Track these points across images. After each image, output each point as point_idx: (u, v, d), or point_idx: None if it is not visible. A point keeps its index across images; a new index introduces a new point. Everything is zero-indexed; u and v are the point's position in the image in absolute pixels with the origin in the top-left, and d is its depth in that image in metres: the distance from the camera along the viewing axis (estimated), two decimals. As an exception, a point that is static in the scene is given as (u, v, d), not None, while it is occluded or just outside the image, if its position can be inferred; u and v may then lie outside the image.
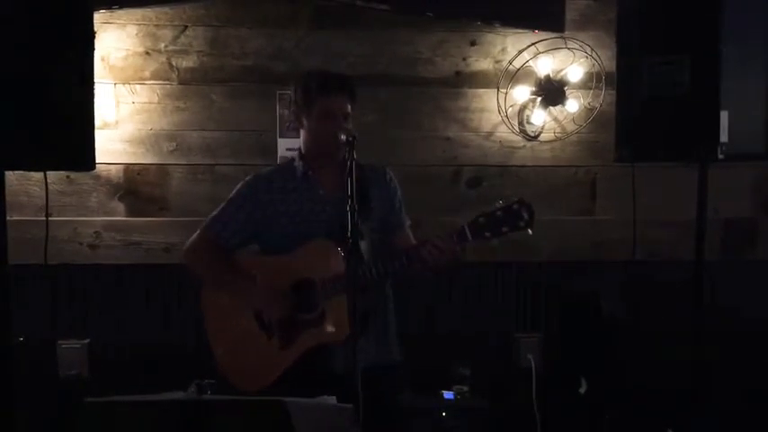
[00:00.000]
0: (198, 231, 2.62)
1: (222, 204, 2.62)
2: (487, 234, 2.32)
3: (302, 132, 2.60)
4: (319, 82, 2.52)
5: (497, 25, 3.61)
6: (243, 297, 2.51)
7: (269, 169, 2.71)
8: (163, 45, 3.51)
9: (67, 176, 3.45)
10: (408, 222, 2.70)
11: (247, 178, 2.64)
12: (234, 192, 2.62)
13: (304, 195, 2.55)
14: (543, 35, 3.58)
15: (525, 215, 2.30)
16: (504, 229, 2.31)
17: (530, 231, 2.31)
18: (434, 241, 2.34)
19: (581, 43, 3.58)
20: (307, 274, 2.45)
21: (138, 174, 3.53)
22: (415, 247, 2.41)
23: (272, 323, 2.48)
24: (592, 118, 3.65)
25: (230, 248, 2.59)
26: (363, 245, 2.42)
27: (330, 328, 2.40)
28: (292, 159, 2.68)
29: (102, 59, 3.43)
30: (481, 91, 3.66)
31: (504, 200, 2.35)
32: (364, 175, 2.43)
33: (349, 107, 2.51)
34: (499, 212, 2.32)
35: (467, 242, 2.35)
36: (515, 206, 2.31)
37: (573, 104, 3.61)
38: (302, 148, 2.62)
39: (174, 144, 3.53)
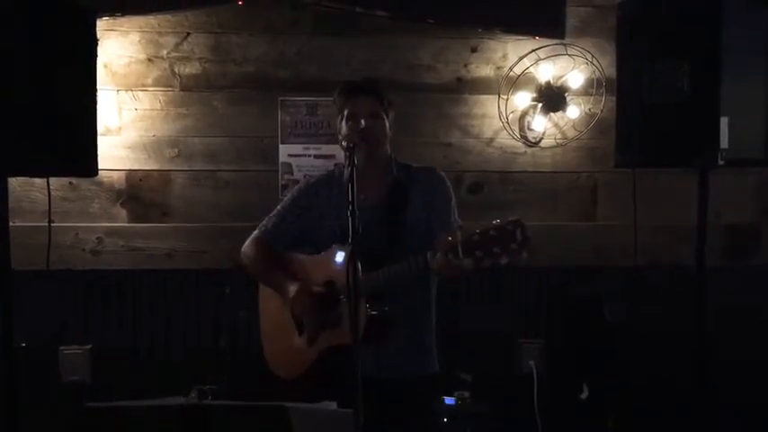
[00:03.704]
0: (254, 232, 2.72)
1: (278, 207, 2.72)
2: (479, 254, 2.14)
3: None
4: (344, 86, 2.60)
5: (498, 32, 3.62)
6: (282, 294, 2.61)
7: (320, 175, 2.78)
8: (165, 52, 3.52)
9: (70, 182, 3.47)
10: (458, 225, 2.58)
11: (299, 184, 2.78)
12: (287, 197, 2.75)
13: (344, 201, 2.53)
14: (544, 42, 3.60)
15: (519, 236, 2.10)
16: (496, 250, 2.13)
17: (524, 255, 2.13)
18: (436, 255, 2.26)
19: (581, 50, 3.59)
20: (332, 276, 2.50)
21: (141, 180, 3.54)
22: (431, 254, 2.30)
23: (300, 320, 2.57)
24: (592, 124, 3.66)
25: (281, 249, 2.69)
26: (398, 250, 2.43)
27: (345, 330, 2.36)
28: (342, 164, 2.73)
29: (105, 66, 3.45)
30: (482, 97, 3.67)
31: (501, 219, 2.17)
32: (409, 178, 2.56)
33: (376, 107, 2.53)
34: (492, 231, 2.13)
35: (458, 260, 2.18)
36: (509, 226, 2.11)
37: (573, 111, 3.62)
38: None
39: (177, 150, 3.55)
